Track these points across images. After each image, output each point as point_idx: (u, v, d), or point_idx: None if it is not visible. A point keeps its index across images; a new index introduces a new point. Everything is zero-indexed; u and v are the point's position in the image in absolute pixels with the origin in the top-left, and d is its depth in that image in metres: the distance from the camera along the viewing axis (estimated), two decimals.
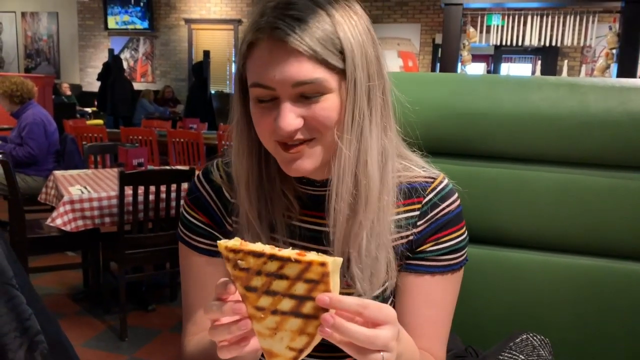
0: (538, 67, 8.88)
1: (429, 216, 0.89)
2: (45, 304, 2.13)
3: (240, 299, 0.65)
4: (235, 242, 0.65)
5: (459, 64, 6.48)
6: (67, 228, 3.03)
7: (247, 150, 0.85)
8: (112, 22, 11.20)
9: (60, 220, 3.01)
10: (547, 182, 1.12)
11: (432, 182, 0.90)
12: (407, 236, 0.88)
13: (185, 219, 0.96)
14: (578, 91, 1.10)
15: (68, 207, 3.05)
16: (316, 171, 0.82)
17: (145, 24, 10.98)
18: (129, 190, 2.99)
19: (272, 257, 0.63)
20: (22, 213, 3.23)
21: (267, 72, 0.75)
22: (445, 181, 0.91)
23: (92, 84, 10.72)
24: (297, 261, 0.62)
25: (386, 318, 0.64)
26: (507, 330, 1.08)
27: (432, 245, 0.89)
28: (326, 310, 0.62)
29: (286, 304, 0.63)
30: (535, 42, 6.55)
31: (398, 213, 0.88)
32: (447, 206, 0.89)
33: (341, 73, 0.77)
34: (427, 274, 0.88)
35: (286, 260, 0.62)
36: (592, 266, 1.12)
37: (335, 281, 0.63)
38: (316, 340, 0.64)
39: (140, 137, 5.86)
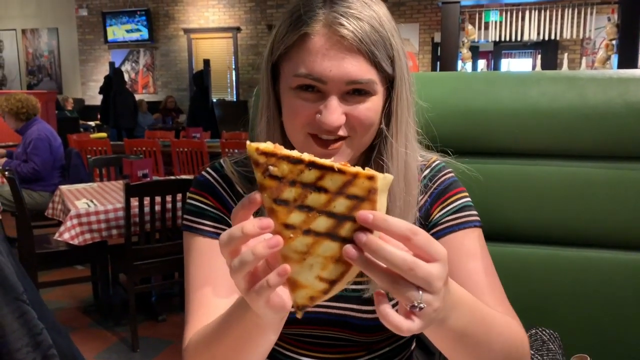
0: (538, 62, 8.87)
1: (426, 189, 0.92)
2: (55, 318, 2.14)
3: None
4: (269, 145, 0.55)
5: (459, 62, 6.49)
6: (75, 242, 3.05)
7: (281, 142, 0.84)
8: (111, 36, 11.27)
9: (68, 234, 3.03)
10: (550, 176, 1.12)
11: (427, 162, 0.95)
12: (415, 215, 0.90)
13: (190, 205, 0.95)
14: (577, 84, 1.10)
15: (75, 221, 3.07)
16: None
17: (145, 36, 11.04)
18: (134, 202, 3.01)
19: (312, 165, 0.53)
20: (30, 229, 3.25)
21: (322, 65, 0.76)
22: (439, 160, 0.96)
23: (95, 98, 10.78)
24: (340, 172, 0.52)
25: (437, 254, 0.53)
26: (523, 325, 1.08)
27: (439, 210, 0.91)
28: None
29: (322, 223, 0.53)
30: (534, 37, 6.54)
31: None
32: (443, 176, 0.94)
33: (386, 78, 0.80)
34: (450, 233, 0.89)
35: (327, 169, 0.53)
36: (598, 258, 1.11)
37: (382, 202, 0.53)
38: (353, 273, 0.54)
39: (144, 149, 5.89)
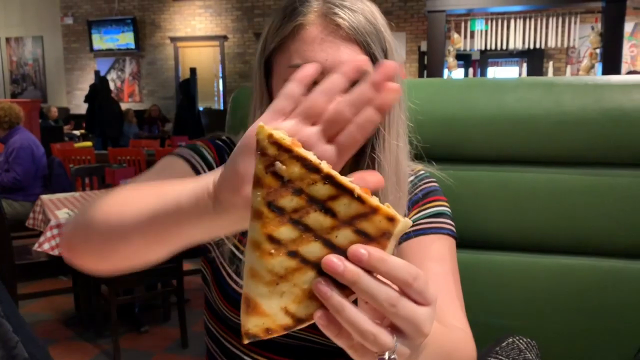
0: (525, 70, 8.94)
1: (410, 193, 0.91)
2: (32, 331, 2.09)
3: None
4: (285, 136, 0.45)
5: (445, 70, 6.52)
6: (55, 252, 2.99)
7: None
8: (97, 44, 11.20)
9: (48, 245, 2.97)
10: (527, 182, 1.11)
11: (412, 171, 0.95)
12: None
13: (193, 145, 0.91)
14: (553, 91, 1.10)
15: (55, 231, 3.01)
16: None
17: (131, 44, 10.99)
18: None
19: (329, 179, 0.44)
20: (9, 239, 3.19)
21: (318, 55, 0.76)
22: (423, 171, 0.96)
23: (80, 107, 10.69)
24: (359, 200, 0.44)
25: (430, 297, 0.46)
26: (496, 334, 1.06)
27: (416, 213, 0.90)
28: None
29: (314, 250, 0.44)
30: (519, 46, 6.60)
31: None
32: (425, 183, 0.94)
33: None
34: (421, 235, 0.88)
35: (346, 191, 0.44)
36: (576, 265, 1.10)
37: (390, 249, 0.45)
38: None
39: (128, 158, 5.83)
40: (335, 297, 0.43)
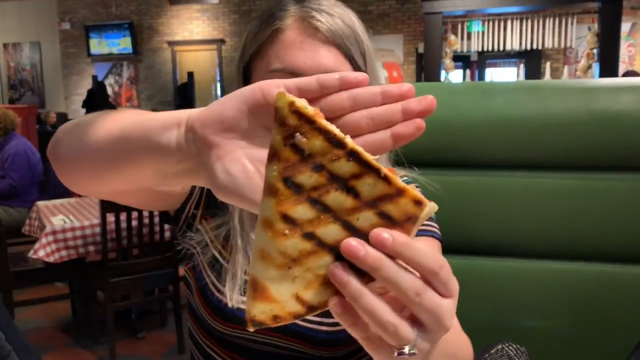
0: (522, 71, 8.93)
1: None
2: (28, 338, 2.07)
3: None
4: (309, 106, 0.41)
5: (442, 72, 6.51)
6: (51, 259, 2.98)
7: None
8: (95, 49, 11.19)
9: (43, 251, 2.96)
10: (514, 187, 1.10)
11: None
12: None
13: None
14: (541, 94, 1.09)
15: (51, 237, 3.00)
16: None
17: (129, 49, 10.97)
18: (111, 217, 2.95)
19: (354, 156, 0.40)
20: (5, 246, 3.18)
21: (297, 58, 0.75)
22: (406, 177, 0.95)
23: (78, 112, 10.68)
24: (385, 179, 0.40)
25: (453, 288, 0.43)
26: (485, 341, 1.05)
27: None
28: None
29: (332, 232, 0.41)
30: (516, 47, 6.59)
31: None
32: None
33: None
34: None
35: (372, 169, 0.40)
36: (565, 270, 1.09)
37: (414, 234, 0.42)
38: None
39: None
40: (354, 283, 0.40)
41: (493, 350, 0.98)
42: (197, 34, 10.70)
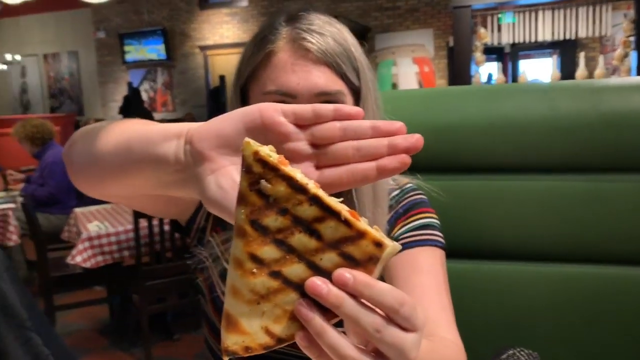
0: (557, 61, 8.73)
1: (394, 208, 0.91)
2: (68, 341, 2.14)
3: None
4: (272, 154, 0.44)
5: (473, 66, 6.42)
6: (88, 265, 3.07)
7: None
8: (129, 56, 11.44)
9: (80, 257, 3.06)
10: (526, 190, 1.09)
11: (398, 185, 0.95)
12: None
13: None
14: (548, 96, 1.08)
15: (87, 244, 3.09)
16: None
17: (162, 55, 11.18)
18: (144, 223, 3.02)
19: (315, 200, 0.43)
20: (45, 252, 3.29)
21: (290, 80, 0.77)
22: (410, 184, 0.96)
23: (116, 118, 10.92)
24: (346, 223, 0.42)
25: (417, 322, 0.44)
26: (495, 346, 1.04)
27: (401, 227, 0.90)
28: None
29: (297, 271, 0.43)
30: (549, 37, 6.45)
31: None
32: (411, 196, 0.93)
33: (354, 90, 0.81)
34: (407, 249, 0.87)
35: (333, 213, 0.43)
36: (576, 273, 1.08)
37: (377, 274, 0.44)
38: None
39: None
40: (317, 321, 0.42)
41: (504, 356, 0.97)
42: (228, 37, 10.82)
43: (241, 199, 0.44)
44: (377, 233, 0.43)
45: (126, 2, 11.29)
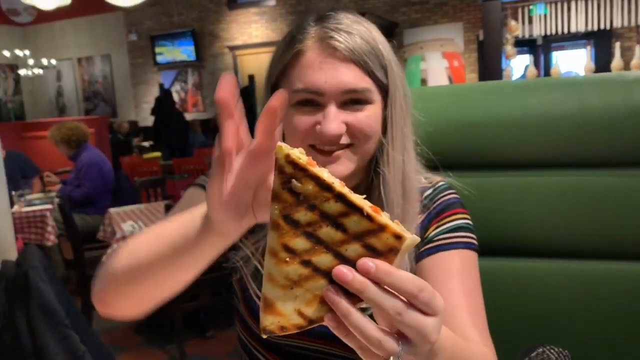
0: (592, 53, 8.52)
1: (428, 207, 0.92)
2: (101, 340, 2.19)
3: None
4: (302, 156, 0.49)
5: (504, 59, 6.32)
6: None
7: None
8: (160, 58, 11.62)
9: None
10: (554, 186, 1.07)
11: (430, 184, 0.95)
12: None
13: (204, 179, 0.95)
14: (577, 90, 1.06)
15: (121, 243, 3.16)
16: (344, 180, 0.83)
17: (192, 56, 11.32)
18: None
19: (340, 198, 0.48)
20: (81, 252, 3.38)
21: (318, 78, 0.79)
22: (443, 182, 0.96)
23: (148, 119, 11.11)
24: (368, 217, 0.47)
25: (437, 307, 0.49)
26: (525, 344, 1.03)
27: (435, 228, 0.90)
28: None
29: (325, 260, 0.48)
30: (582, 28, 6.30)
31: None
32: (444, 196, 0.93)
33: (383, 88, 0.83)
34: (440, 251, 0.88)
35: (356, 209, 0.48)
36: (609, 270, 1.05)
37: (397, 263, 0.48)
38: None
39: (191, 167, 6.02)
40: (343, 304, 0.47)
41: (533, 354, 0.96)
42: (256, 37, 10.89)
43: (275, 197, 0.49)
44: (397, 226, 0.47)
45: (157, 5, 11.47)
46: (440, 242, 0.88)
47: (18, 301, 1.94)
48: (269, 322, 0.51)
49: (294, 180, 0.49)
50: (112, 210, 3.85)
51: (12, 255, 2.77)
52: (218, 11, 11.10)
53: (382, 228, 0.47)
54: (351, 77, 0.79)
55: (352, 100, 0.80)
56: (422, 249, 0.89)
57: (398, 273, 0.47)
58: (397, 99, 0.83)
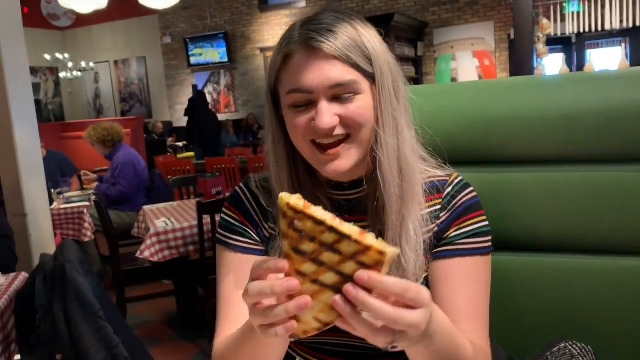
0: (627, 50, 8.34)
1: (449, 207, 0.95)
2: (134, 332, 2.27)
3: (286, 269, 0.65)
4: (298, 202, 0.63)
5: (535, 58, 6.25)
6: (155, 259, 3.24)
7: (285, 157, 0.94)
8: (194, 60, 11.83)
9: (148, 252, 3.23)
10: (575, 182, 1.07)
11: (449, 179, 0.98)
12: (433, 229, 0.94)
13: (223, 220, 1.03)
14: (600, 85, 1.06)
15: (154, 239, 3.26)
16: (349, 172, 0.90)
17: (224, 58, 11.50)
18: (207, 219, 3.16)
19: (332, 230, 0.61)
20: (117, 248, 3.50)
21: (305, 77, 0.85)
22: (460, 177, 0.99)
23: (181, 120, 11.33)
24: (356, 242, 0.60)
25: (423, 301, 0.63)
26: (546, 339, 1.04)
27: (455, 230, 0.94)
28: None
29: (329, 278, 0.62)
30: (616, 25, 6.19)
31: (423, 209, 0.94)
32: (465, 196, 0.96)
33: (370, 77, 0.87)
34: (457, 256, 0.92)
35: (345, 237, 0.61)
36: (630, 266, 1.05)
37: (385, 272, 0.61)
38: None
39: (223, 166, 6.14)
40: (349, 308, 0.62)
41: (555, 349, 0.97)
42: None
43: (284, 235, 0.64)
44: (380, 244, 0.60)
45: (190, 8, 11.69)
46: (458, 247, 0.92)
47: (56, 293, 2.03)
48: (295, 328, 0.65)
49: (295, 220, 0.63)
50: (146, 207, 3.96)
51: (51, 249, 2.89)
52: (250, 13, 11.25)
53: (368, 248, 0.60)
54: (336, 72, 0.83)
55: (341, 93, 0.85)
56: (442, 248, 0.93)
57: (387, 280, 0.60)
58: (385, 85, 0.87)
